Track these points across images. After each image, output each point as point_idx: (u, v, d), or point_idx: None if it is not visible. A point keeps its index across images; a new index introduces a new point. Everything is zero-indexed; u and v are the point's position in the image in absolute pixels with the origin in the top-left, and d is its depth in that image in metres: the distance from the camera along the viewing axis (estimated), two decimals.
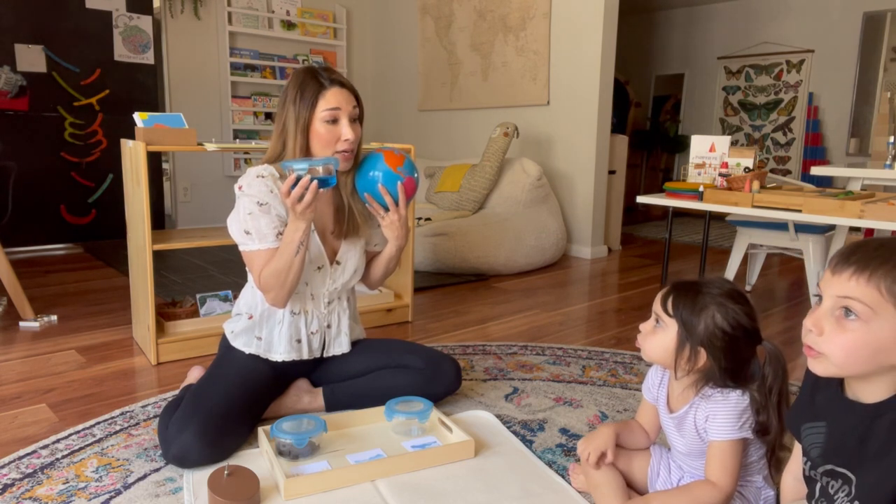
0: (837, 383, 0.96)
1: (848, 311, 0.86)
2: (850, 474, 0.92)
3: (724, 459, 1.19)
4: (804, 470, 1.02)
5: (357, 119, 1.68)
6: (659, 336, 1.23)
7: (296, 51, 5.62)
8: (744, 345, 1.18)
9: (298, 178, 1.48)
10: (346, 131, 1.62)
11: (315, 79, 1.62)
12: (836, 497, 0.94)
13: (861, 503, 0.89)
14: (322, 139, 1.62)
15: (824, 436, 0.96)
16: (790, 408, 1.07)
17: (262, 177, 1.62)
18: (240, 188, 1.62)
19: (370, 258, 1.87)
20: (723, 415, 1.19)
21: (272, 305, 1.66)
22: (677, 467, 1.34)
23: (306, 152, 1.65)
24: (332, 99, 1.61)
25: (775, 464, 1.24)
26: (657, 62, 7.55)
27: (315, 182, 1.49)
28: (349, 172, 1.73)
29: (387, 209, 1.68)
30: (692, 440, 1.25)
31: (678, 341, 1.20)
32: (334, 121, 1.62)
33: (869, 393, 0.91)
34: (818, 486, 0.99)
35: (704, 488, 1.21)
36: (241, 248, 1.64)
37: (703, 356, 1.19)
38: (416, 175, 1.70)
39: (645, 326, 1.27)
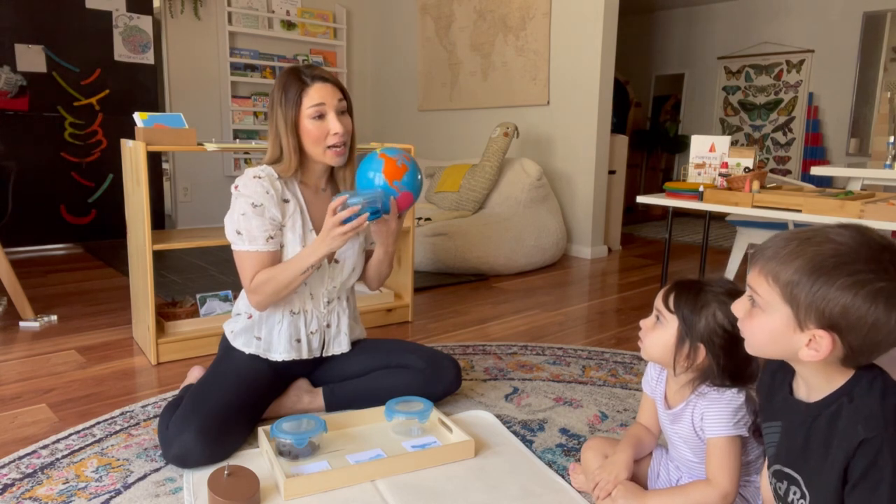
0: (788, 384, 0.98)
1: (752, 299, 0.92)
2: (795, 475, 0.93)
3: (721, 457, 1.19)
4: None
5: (345, 111, 1.67)
6: (659, 332, 1.24)
7: (296, 51, 5.62)
8: (743, 344, 1.18)
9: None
10: (334, 125, 1.62)
11: (297, 78, 1.62)
12: (788, 499, 0.94)
13: None
14: (312, 136, 1.62)
15: (779, 436, 0.98)
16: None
17: (259, 178, 1.62)
18: (236, 188, 1.63)
19: (369, 256, 1.87)
20: (717, 411, 1.19)
21: (255, 307, 1.66)
22: (675, 467, 1.34)
23: (300, 152, 1.65)
24: (315, 95, 1.60)
25: None
26: (657, 62, 7.55)
27: (366, 213, 1.50)
28: (347, 168, 1.73)
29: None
30: (689, 438, 1.25)
31: (678, 337, 1.20)
32: (321, 116, 1.61)
33: (812, 390, 0.93)
34: (772, 487, 1.00)
35: (701, 488, 1.21)
36: (232, 247, 1.65)
37: (701, 353, 1.19)
38: (416, 187, 1.62)
39: (645, 323, 1.28)
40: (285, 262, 1.61)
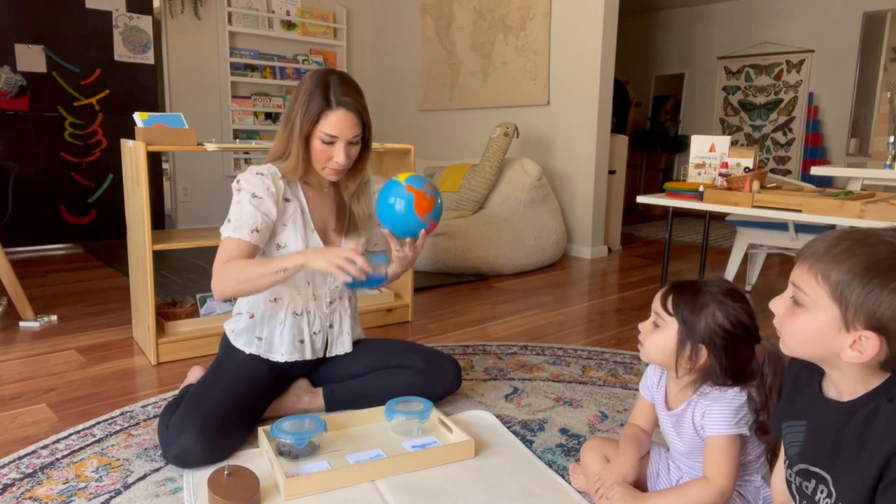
0: (817, 382, 0.97)
1: (796, 297, 0.90)
2: (824, 474, 0.92)
3: (720, 455, 1.19)
4: (785, 471, 1.02)
5: (357, 143, 1.66)
6: (659, 335, 1.23)
7: (296, 51, 5.62)
8: (744, 343, 1.19)
9: (367, 257, 1.50)
10: (339, 155, 1.62)
11: (324, 94, 1.59)
12: (815, 498, 0.94)
13: (842, 503, 0.89)
14: (317, 155, 1.64)
15: (804, 435, 0.97)
16: (775, 406, 1.08)
17: (262, 174, 1.63)
18: (237, 182, 1.63)
19: None
20: (718, 410, 1.19)
21: (214, 291, 1.57)
22: (676, 467, 1.34)
23: (307, 163, 1.65)
24: (333, 123, 1.59)
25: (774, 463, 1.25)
26: (657, 62, 7.55)
27: (367, 262, 1.47)
28: (350, 179, 1.74)
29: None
30: (690, 438, 1.25)
31: (679, 340, 1.20)
32: (331, 143, 1.62)
33: (844, 391, 0.92)
34: (793, 486, 0.99)
35: (699, 486, 1.21)
36: (221, 233, 1.63)
37: (703, 354, 1.19)
38: (440, 215, 1.64)
39: (644, 326, 1.27)
40: (264, 258, 1.58)
